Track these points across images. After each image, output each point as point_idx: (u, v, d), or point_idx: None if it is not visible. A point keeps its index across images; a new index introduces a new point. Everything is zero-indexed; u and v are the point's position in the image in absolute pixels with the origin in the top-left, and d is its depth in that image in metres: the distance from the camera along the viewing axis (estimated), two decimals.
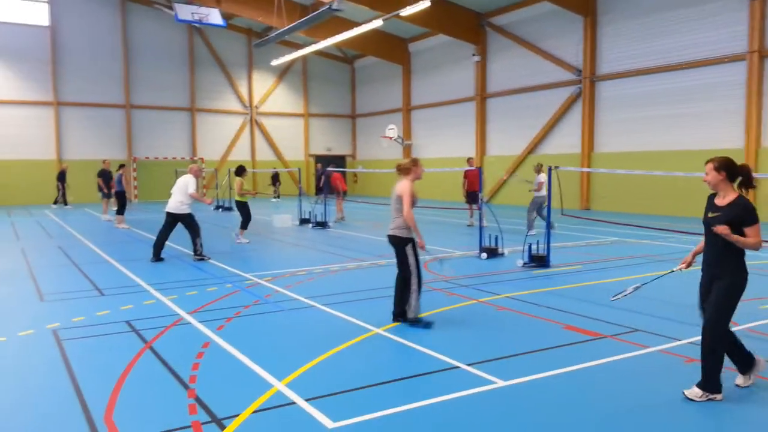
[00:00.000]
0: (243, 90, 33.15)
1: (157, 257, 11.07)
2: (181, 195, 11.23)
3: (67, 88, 28.40)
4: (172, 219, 11.20)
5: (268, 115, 33.91)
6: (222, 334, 6.12)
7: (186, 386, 4.65)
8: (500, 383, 4.70)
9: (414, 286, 6.33)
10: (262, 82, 33.63)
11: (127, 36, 29.64)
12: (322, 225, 16.55)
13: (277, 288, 8.45)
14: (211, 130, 32.36)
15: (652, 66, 19.85)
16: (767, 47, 17.00)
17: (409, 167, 6.51)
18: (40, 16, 27.72)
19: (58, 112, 28.20)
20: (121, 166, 17.84)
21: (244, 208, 13.32)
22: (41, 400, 4.44)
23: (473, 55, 26.38)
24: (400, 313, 6.52)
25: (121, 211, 17.19)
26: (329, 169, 19.31)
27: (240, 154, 32.82)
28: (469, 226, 16.40)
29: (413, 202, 6.40)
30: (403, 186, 6.39)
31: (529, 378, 4.80)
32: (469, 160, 17.14)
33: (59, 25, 28.12)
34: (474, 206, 16.27)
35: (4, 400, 4.48)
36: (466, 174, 16.27)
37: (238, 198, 13.51)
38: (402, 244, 6.38)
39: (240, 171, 13.55)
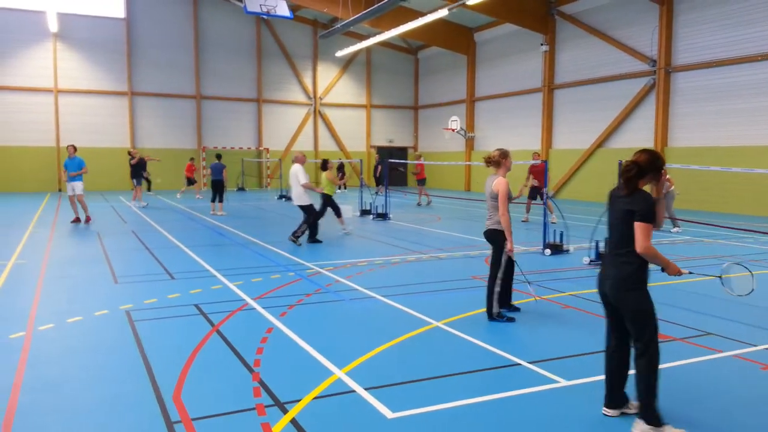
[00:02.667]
0: (308, 81, 33.63)
1: (313, 239, 12.08)
2: (296, 186, 11.78)
3: (141, 79, 29.60)
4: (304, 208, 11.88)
5: (331, 106, 34.29)
6: (285, 320, 6.25)
7: (251, 369, 4.79)
8: (563, 383, 4.59)
9: (500, 281, 6.30)
10: (326, 73, 34.01)
11: (198, 28, 30.57)
12: (383, 216, 16.61)
13: (338, 278, 8.55)
14: (276, 120, 33.02)
15: (731, 57, 18.79)
16: None
17: (499, 160, 6.30)
18: (117, 8, 28.95)
19: (132, 102, 29.46)
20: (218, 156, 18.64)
21: (329, 202, 13.05)
22: (114, 378, 4.67)
23: (541, 44, 25.74)
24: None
25: (218, 198, 17.84)
26: (391, 161, 19.37)
27: (303, 145, 33.36)
28: (524, 221, 15.88)
29: (510, 198, 6.26)
30: (499, 183, 6.19)
31: (593, 379, 4.67)
32: (534, 155, 16.66)
33: (134, 17, 29.30)
34: (534, 202, 15.91)
35: (80, 376, 4.73)
36: (532, 169, 15.86)
37: (327, 192, 13.12)
38: (499, 239, 6.28)
39: (324, 165, 13.50)
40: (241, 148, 31.86)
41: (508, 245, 6.20)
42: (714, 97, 19.48)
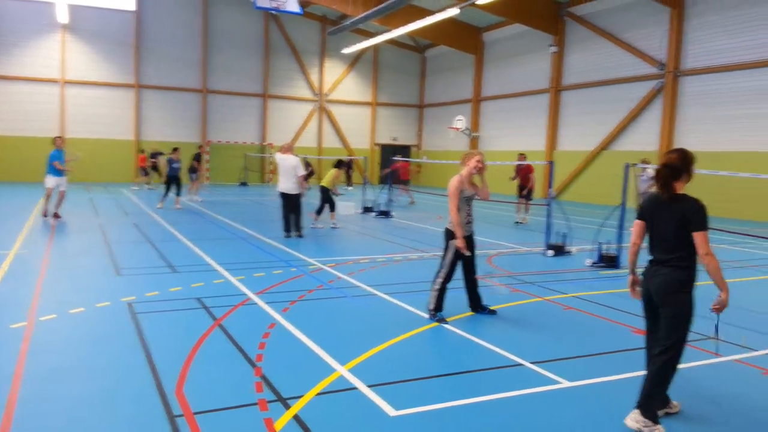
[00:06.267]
0: (314, 77, 33.61)
1: (289, 233, 12.08)
2: (292, 177, 11.96)
3: (148, 72, 29.62)
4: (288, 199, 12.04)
5: (336, 103, 34.27)
6: (287, 316, 6.24)
7: (253, 364, 4.78)
8: (565, 384, 4.58)
9: (440, 279, 6.25)
10: (332, 70, 33.98)
11: (207, 22, 30.57)
12: (385, 214, 16.60)
13: (340, 274, 8.54)
14: (281, 116, 33.01)
15: (740, 62, 18.73)
16: None
17: (465, 159, 6.43)
18: (128, 1, 28.94)
19: (138, 95, 29.47)
20: (175, 149, 17.94)
21: (327, 197, 13.62)
22: (116, 370, 4.66)
23: (550, 45, 25.69)
24: (472, 305, 6.55)
25: (178, 192, 17.38)
26: (394, 158, 19.35)
27: (307, 141, 33.37)
28: (517, 223, 15.73)
29: (471, 197, 6.34)
30: (451, 182, 6.30)
31: (596, 380, 4.66)
32: (520, 156, 16.20)
33: (144, 10, 29.31)
34: (524, 201, 15.75)
35: (82, 367, 4.72)
36: (519, 169, 15.69)
37: (324, 184, 13.76)
38: (449, 238, 6.32)
39: (340, 164, 14.06)
40: (245, 142, 31.88)
41: (457, 242, 6.16)
42: (722, 102, 19.42)
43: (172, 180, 17.29)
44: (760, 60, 18.13)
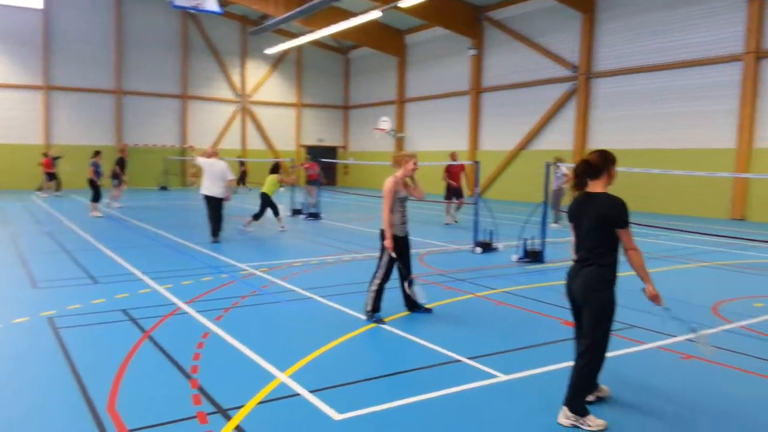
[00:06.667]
0: (236, 78, 32.90)
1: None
2: (219, 181, 11.85)
3: (58, 73, 28.03)
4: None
5: (260, 104, 33.70)
6: (221, 324, 6.08)
7: (188, 376, 4.63)
8: (502, 377, 4.72)
9: (377, 280, 6.30)
10: (255, 71, 33.39)
11: (120, 21, 29.27)
12: (315, 216, 16.50)
13: (274, 279, 8.42)
14: (203, 118, 32.10)
15: (648, 64, 19.93)
16: (764, 48, 17.12)
17: (399, 161, 6.47)
18: None
19: (47, 97, 27.83)
20: (96, 153, 17.13)
21: (268, 201, 13.49)
22: (42, 389, 4.39)
23: (469, 48, 26.35)
24: (408, 304, 6.63)
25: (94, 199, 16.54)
26: (319, 159, 19.27)
27: (231, 143, 32.62)
28: (447, 224, 15.61)
29: (405, 198, 6.42)
30: (386, 184, 6.32)
31: (531, 372, 4.83)
32: (452, 155, 16.30)
33: (53, 8, 27.70)
34: (455, 201, 15.69)
35: (4, 388, 4.42)
36: (449, 168, 15.68)
37: (265, 191, 13.60)
38: (384, 239, 6.36)
39: (276, 168, 14.12)
40: (164, 145, 30.75)
41: (386, 242, 6.24)
42: (631, 102, 20.59)
43: (96, 185, 16.55)
44: (667, 62, 19.36)
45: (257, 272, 8.88)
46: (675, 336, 5.85)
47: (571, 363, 4.09)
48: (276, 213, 13.71)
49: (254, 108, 33.50)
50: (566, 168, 14.70)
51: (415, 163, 6.46)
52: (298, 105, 34.85)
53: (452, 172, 15.73)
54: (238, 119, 33.15)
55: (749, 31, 17.25)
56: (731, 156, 17.83)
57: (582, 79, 21.88)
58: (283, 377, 4.61)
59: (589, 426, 3.83)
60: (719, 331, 6.17)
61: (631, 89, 20.59)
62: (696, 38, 18.62)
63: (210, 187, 11.84)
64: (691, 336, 5.26)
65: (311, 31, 26.39)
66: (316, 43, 33.41)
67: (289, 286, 7.94)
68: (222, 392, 4.30)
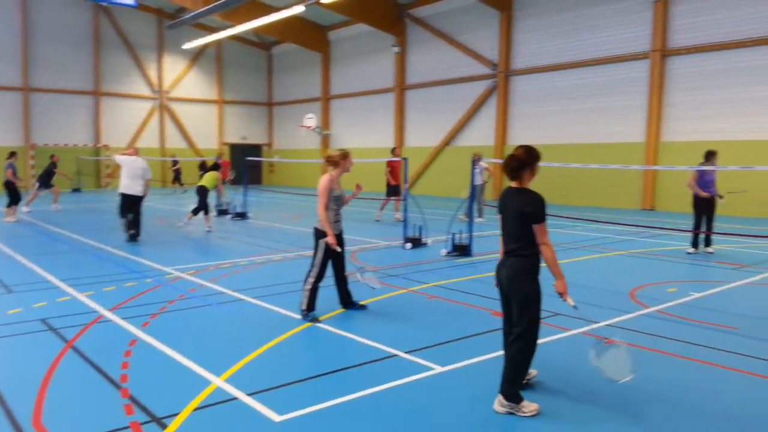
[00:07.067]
0: (152, 74, 31.66)
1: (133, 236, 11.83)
2: (139, 180, 11.69)
3: None
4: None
5: (179, 101, 32.60)
6: (149, 330, 5.87)
7: (117, 386, 4.44)
8: (438, 369, 4.82)
9: (311, 279, 6.29)
10: (173, 66, 32.25)
11: (26, 13, 27.46)
12: (242, 216, 16.18)
13: (202, 282, 8.20)
14: (117, 115, 30.69)
15: (563, 62, 20.81)
16: (668, 46, 18.25)
17: (338, 160, 6.44)
18: None
19: None
20: (12, 153, 16.13)
21: (206, 196, 13.51)
22: None
23: (393, 45, 26.56)
24: (344, 302, 6.65)
25: (13, 202, 15.57)
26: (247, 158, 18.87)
27: (149, 141, 31.38)
28: (376, 220, 15.68)
29: (340, 196, 6.43)
30: (321, 181, 6.32)
31: (466, 362, 4.97)
32: (393, 151, 16.23)
33: None
34: (394, 198, 15.74)
35: None
36: (391, 165, 15.58)
37: (203, 183, 13.64)
38: (318, 237, 6.36)
39: (217, 167, 14.35)
40: (76, 144, 29.19)
41: (328, 239, 6.24)
42: (547, 99, 21.44)
43: (13, 187, 15.59)
44: (581, 60, 20.28)
45: (184, 275, 8.61)
46: (597, 322, 6.16)
47: (502, 352, 4.24)
48: (206, 212, 13.55)
49: (173, 105, 32.38)
50: (485, 163, 15.12)
51: (351, 162, 6.49)
52: (219, 102, 33.97)
53: (394, 169, 15.59)
54: (155, 116, 31.93)
55: (655, 30, 18.36)
56: (641, 150, 18.93)
57: (501, 77, 22.57)
58: (218, 382, 4.51)
59: (524, 411, 3.99)
60: (638, 315, 6.56)
61: (548, 86, 21.43)
62: (608, 36, 19.62)
63: (130, 185, 11.70)
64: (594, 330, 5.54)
65: (231, 26, 25.77)
66: (237, 38, 32.67)
67: (219, 289, 7.76)
68: (155, 400, 4.16)
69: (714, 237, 11.08)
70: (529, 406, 4.02)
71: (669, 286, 7.99)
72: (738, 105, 17.00)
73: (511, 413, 4.00)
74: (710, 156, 10.70)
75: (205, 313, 6.68)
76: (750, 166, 15.15)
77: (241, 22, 24.69)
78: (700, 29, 17.58)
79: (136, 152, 12.29)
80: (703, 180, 10.68)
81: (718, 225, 11.65)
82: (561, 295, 4.13)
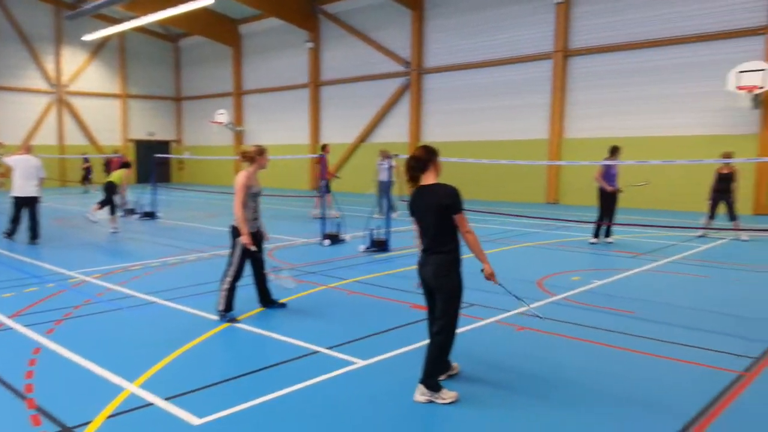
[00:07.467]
0: (50, 67, 29.71)
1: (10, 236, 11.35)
2: (33, 179, 11.20)
3: None
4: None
5: (79, 95, 30.79)
6: (54, 337, 5.55)
7: (23, 396, 4.18)
8: (360, 363, 4.88)
9: (229, 278, 6.19)
10: (72, 59, 30.41)
11: None
12: (151, 215, 15.56)
13: (110, 285, 7.83)
14: (12, 110, 28.57)
15: (473, 61, 21.45)
16: (570, 47, 19.23)
17: (254, 156, 6.36)
18: None
19: None
20: None
21: (113, 191, 12.98)
22: None
23: (306, 41, 26.34)
24: (263, 300, 6.58)
25: None
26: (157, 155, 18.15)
27: (46, 138, 29.45)
28: (315, 217, 15.29)
29: (258, 193, 6.36)
30: (237, 178, 6.23)
31: (387, 355, 5.06)
32: (324, 148, 15.40)
33: None
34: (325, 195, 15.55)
35: None
36: (322, 161, 15.30)
37: (112, 179, 13.06)
38: (236, 236, 6.25)
39: (127, 164, 13.85)
40: None
41: (243, 238, 6.15)
42: (462, 97, 22.03)
43: None
44: (490, 59, 20.98)
45: (90, 279, 8.20)
46: (509, 311, 6.44)
47: (424, 343, 4.36)
48: (112, 211, 12.91)
49: (72, 99, 30.54)
50: (394, 161, 15.26)
51: (268, 159, 6.42)
52: (123, 96, 32.39)
53: (326, 165, 15.24)
54: (53, 112, 30.01)
55: (557, 31, 19.30)
56: (545, 146, 19.87)
57: (414, 75, 22.96)
58: (132, 388, 4.35)
59: (443, 399, 4.13)
60: (546, 303, 6.91)
61: (459, 84, 22.02)
62: (515, 37, 20.41)
63: (24, 186, 11.12)
64: (523, 309, 5.86)
65: (135, 17, 24.61)
66: (142, 30, 31.22)
67: (129, 292, 7.45)
68: (65, 410, 3.96)
69: (614, 227, 11.83)
70: (447, 393, 4.16)
71: (573, 275, 8.47)
72: (633, 103, 18.20)
73: (431, 401, 4.13)
74: (615, 151, 11.41)
75: (115, 318, 6.39)
76: (645, 161, 16.27)
77: (145, 13, 23.62)
78: (599, 31, 18.66)
79: (29, 150, 11.64)
80: (609, 174, 11.37)
81: (619, 216, 12.45)
82: (490, 276, 4.31)
